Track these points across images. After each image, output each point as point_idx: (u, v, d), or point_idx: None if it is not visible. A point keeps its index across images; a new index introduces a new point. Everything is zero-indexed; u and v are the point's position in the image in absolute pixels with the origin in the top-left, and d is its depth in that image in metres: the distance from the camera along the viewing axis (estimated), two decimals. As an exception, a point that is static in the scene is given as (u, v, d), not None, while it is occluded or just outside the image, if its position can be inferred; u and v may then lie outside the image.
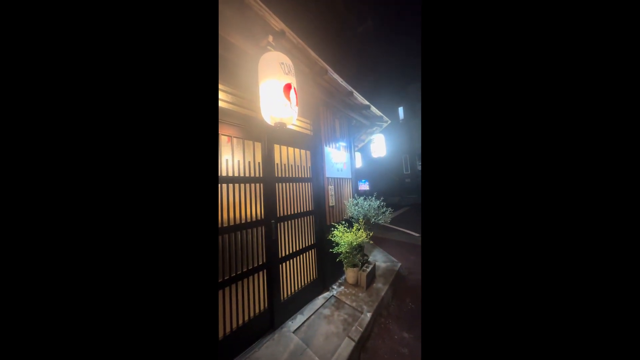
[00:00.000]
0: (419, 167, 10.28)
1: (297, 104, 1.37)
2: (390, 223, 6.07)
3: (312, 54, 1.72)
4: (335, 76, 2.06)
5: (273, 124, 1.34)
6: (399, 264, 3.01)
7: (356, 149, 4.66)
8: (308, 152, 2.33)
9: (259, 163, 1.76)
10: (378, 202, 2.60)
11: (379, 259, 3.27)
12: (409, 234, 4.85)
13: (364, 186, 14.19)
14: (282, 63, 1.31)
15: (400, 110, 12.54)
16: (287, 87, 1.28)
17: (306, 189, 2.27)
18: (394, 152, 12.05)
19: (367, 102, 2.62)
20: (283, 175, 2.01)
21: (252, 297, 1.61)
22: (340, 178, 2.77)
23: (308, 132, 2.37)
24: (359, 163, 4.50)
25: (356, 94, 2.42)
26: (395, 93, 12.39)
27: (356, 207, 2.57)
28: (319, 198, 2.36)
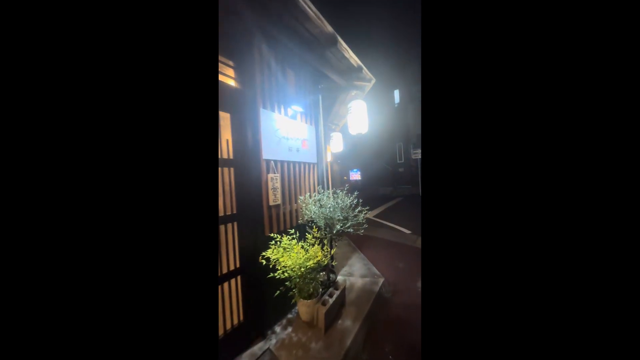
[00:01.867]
0: (414, 156, 9.46)
1: None
2: (379, 217, 5.34)
3: None
4: None
5: None
6: (382, 280, 2.22)
7: (336, 128, 3.71)
8: (227, 116, 1.38)
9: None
10: (350, 198, 1.72)
11: (355, 271, 2.46)
12: (399, 230, 4.10)
13: (356, 175, 13.36)
14: None
15: (396, 93, 11.46)
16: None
17: (223, 179, 1.35)
18: (387, 139, 11.19)
19: (330, 29, 1.50)
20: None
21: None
22: (295, 162, 1.84)
23: (229, 79, 1.40)
24: (339, 146, 3.54)
25: (305, 3, 1.30)
26: (391, 73, 11.23)
27: (317, 207, 1.68)
28: (250, 193, 1.45)
